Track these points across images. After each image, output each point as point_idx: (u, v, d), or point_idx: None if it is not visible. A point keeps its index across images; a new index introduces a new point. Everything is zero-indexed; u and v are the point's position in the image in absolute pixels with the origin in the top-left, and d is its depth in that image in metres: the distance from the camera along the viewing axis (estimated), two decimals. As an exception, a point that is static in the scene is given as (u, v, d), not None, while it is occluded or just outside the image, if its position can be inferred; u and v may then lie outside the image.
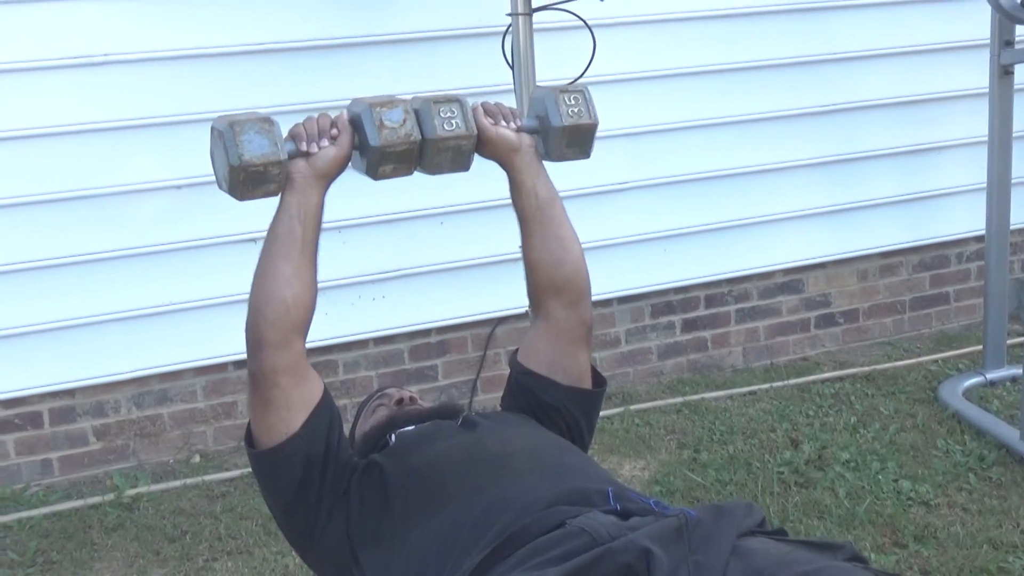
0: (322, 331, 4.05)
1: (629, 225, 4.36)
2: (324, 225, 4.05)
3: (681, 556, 1.55)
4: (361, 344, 4.14)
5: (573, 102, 2.13)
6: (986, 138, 4.15)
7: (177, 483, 3.76)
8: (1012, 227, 4.25)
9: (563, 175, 4.05)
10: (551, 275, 2.13)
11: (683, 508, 1.70)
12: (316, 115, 2.00)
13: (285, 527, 2.00)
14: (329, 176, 2.00)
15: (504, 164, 2.16)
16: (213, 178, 1.97)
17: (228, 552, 3.29)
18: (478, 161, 4.24)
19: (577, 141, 2.18)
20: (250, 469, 3.57)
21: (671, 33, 4.30)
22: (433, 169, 2.15)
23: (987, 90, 4.10)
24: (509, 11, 3.22)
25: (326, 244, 4.17)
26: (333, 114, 2.03)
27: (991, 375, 4.26)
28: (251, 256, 4.06)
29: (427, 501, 1.84)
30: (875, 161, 4.70)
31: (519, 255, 3.38)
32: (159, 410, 3.93)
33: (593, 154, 4.41)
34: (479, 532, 1.72)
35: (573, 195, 4.19)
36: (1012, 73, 4.05)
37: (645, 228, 4.41)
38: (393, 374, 4.14)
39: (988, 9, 3.90)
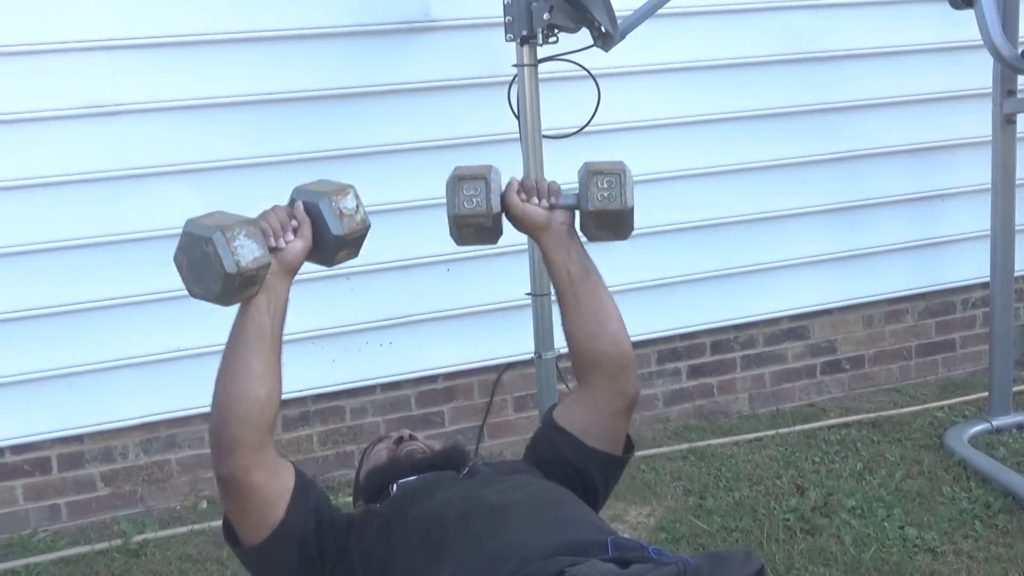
0: (329, 377, 4.08)
1: (635, 271, 4.38)
2: (332, 272, 4.10)
3: (680, 604, 1.56)
4: (368, 390, 4.15)
5: (605, 185, 2.12)
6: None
7: (184, 529, 3.76)
8: (1017, 274, 4.27)
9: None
10: (586, 348, 2.13)
11: (681, 556, 1.70)
12: (271, 209, 1.99)
13: None
14: (295, 269, 1.99)
15: (535, 240, 2.18)
16: (189, 294, 1.93)
17: (234, 598, 3.30)
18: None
19: (608, 224, 2.17)
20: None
21: (676, 82, 4.34)
22: (461, 242, 2.22)
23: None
24: (515, 62, 3.26)
25: (333, 290, 4.23)
26: (284, 207, 2.02)
27: (997, 422, 4.26)
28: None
29: (428, 554, 1.85)
30: (881, 208, 4.73)
31: (526, 302, 3.41)
32: (167, 456, 3.94)
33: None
34: None
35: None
36: (1014, 122, 4.08)
37: (651, 274, 4.43)
38: (400, 420, 4.15)
39: (992, 59, 3.93)
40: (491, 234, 2.21)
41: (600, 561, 1.69)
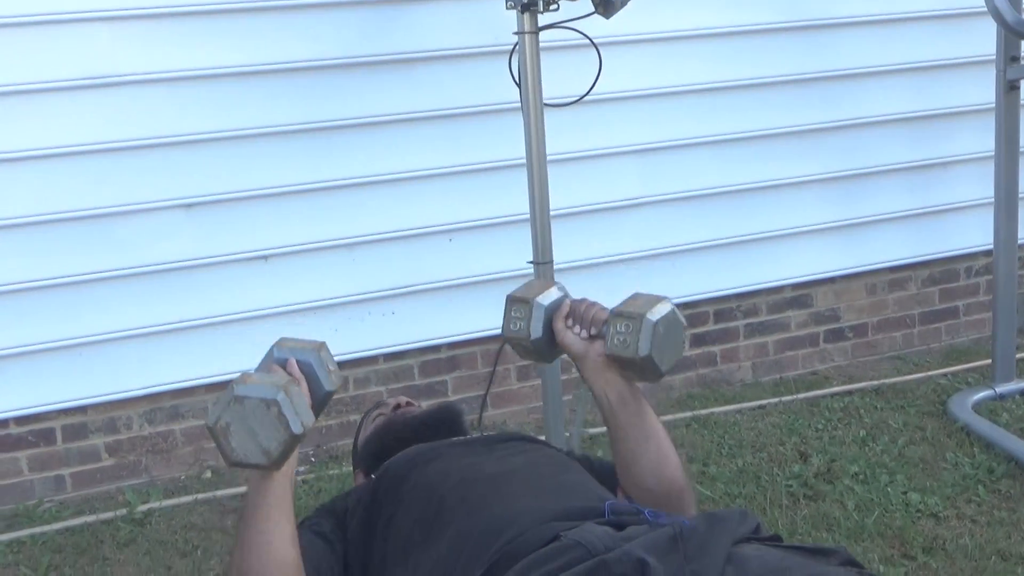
0: (332, 347, 4.03)
1: (638, 241, 4.38)
2: (335, 241, 4.10)
3: (677, 565, 1.57)
4: (371, 360, 4.16)
5: (623, 329, 2.06)
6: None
7: (189, 498, 3.78)
8: (1021, 241, 4.26)
9: (572, 191, 4.11)
10: (628, 473, 2.10)
11: (677, 517, 1.71)
12: (275, 370, 1.96)
13: None
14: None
15: (576, 365, 2.17)
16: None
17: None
18: (487, 178, 4.28)
19: (629, 368, 2.11)
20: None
21: (678, 50, 4.33)
22: (522, 357, 2.33)
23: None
24: (516, 30, 3.25)
25: (336, 259, 4.24)
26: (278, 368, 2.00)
27: (1000, 388, 4.26)
28: (263, 274, 4.12)
29: (426, 524, 1.86)
30: (884, 176, 4.72)
31: (529, 271, 3.41)
32: (171, 426, 3.96)
33: (603, 170, 4.45)
34: (477, 552, 1.74)
35: (582, 211, 4.23)
36: (1018, 88, 4.06)
37: (654, 244, 4.42)
38: (403, 389, 4.16)
39: (995, 25, 3.91)
40: (542, 355, 2.25)
41: (595, 524, 1.70)
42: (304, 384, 1.96)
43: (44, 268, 3.70)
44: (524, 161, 3.32)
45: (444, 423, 2.23)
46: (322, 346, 2.03)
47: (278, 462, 1.81)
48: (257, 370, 1.98)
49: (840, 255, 4.74)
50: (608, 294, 4.32)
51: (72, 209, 3.69)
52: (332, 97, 3.89)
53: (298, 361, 1.99)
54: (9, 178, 3.63)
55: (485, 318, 4.22)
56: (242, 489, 3.81)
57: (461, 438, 2.17)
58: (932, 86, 4.70)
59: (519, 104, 3.31)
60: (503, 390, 4.35)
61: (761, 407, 4.36)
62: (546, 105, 3.31)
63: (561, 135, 3.65)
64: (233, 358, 3.84)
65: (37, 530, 3.61)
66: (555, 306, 2.20)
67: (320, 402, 2.00)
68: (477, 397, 4.30)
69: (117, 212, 3.74)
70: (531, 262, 3.40)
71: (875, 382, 4.53)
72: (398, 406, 2.33)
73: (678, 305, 2.15)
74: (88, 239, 3.72)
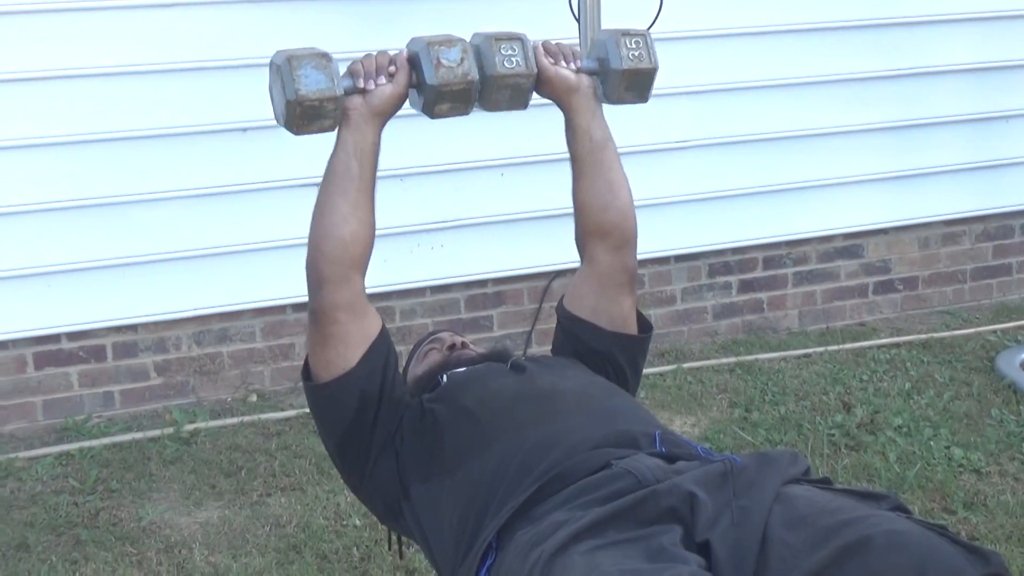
0: (380, 278, 4.06)
1: (689, 183, 4.35)
2: (385, 172, 4.08)
3: (725, 501, 1.57)
4: (418, 292, 4.18)
5: (634, 46, 2.11)
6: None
7: (234, 420, 3.83)
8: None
9: (625, 131, 4.02)
10: (597, 219, 2.14)
11: (729, 454, 1.71)
12: (375, 52, 2.00)
13: (338, 460, 2.04)
14: (385, 114, 1.99)
15: (561, 104, 2.15)
16: (276, 123, 1.98)
17: (282, 488, 3.36)
18: (541, 114, 4.24)
19: (636, 85, 2.16)
20: (306, 410, 3.63)
21: (740, -9, 4.28)
22: (491, 107, 2.15)
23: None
24: (577, -38, 3.21)
25: (386, 191, 4.19)
26: (393, 52, 2.02)
27: (1050, 347, 4.22)
28: (312, 200, 4.11)
29: (475, 439, 1.86)
30: (942, 127, 4.65)
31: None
32: (219, 348, 4.00)
33: (656, 111, 4.40)
34: (525, 470, 1.75)
35: (635, 151, 4.18)
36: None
37: (705, 187, 4.39)
38: (448, 323, 4.17)
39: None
40: (526, 97, 2.16)
41: (647, 455, 1.71)
42: (402, 74, 1.99)
43: (99, 186, 3.73)
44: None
45: (500, 362, 2.23)
46: (449, 41, 2.02)
47: (289, 126, 1.90)
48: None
49: (893, 206, 4.68)
50: (659, 238, 4.30)
51: (129, 128, 3.71)
52: (383, 22, 3.86)
53: (409, 51, 2.02)
54: (60, 94, 3.65)
55: (533, 255, 4.23)
56: (287, 413, 3.87)
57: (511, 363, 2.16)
58: (996, 36, 4.61)
59: (577, 39, 3.28)
60: (548, 327, 4.33)
61: (806, 356, 4.34)
62: (603, 30, 3.27)
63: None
64: (281, 283, 3.88)
65: (85, 444, 3.67)
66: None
67: (430, 96, 2.00)
68: (522, 333, 4.31)
69: (173, 134, 3.76)
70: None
71: (923, 336, 4.50)
72: (453, 346, 2.32)
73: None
74: (145, 159, 3.75)
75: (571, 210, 3.49)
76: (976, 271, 4.92)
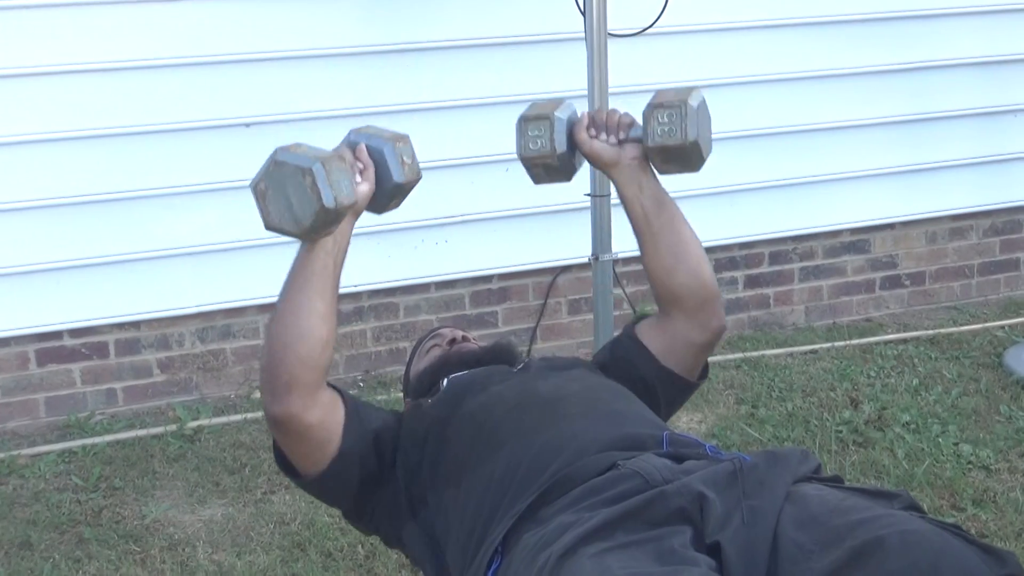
0: (384, 274, 4.08)
1: (695, 178, 4.25)
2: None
3: (735, 501, 1.55)
4: (423, 288, 4.16)
5: (666, 119, 2.03)
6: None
7: (238, 417, 3.81)
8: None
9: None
10: (665, 283, 2.08)
11: (738, 453, 1.69)
12: (340, 149, 1.93)
13: (354, 519, 2.05)
14: (360, 211, 1.94)
15: (607, 175, 2.14)
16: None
17: (286, 486, 3.34)
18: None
19: (674, 159, 2.09)
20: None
21: (746, -15, 4.25)
22: (536, 181, 2.22)
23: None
24: (582, -44, 3.19)
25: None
26: (349, 148, 1.96)
27: (1059, 343, 4.20)
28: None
29: (480, 445, 1.85)
30: (949, 121, 4.62)
31: (584, 203, 3.38)
32: (222, 345, 3.98)
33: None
34: (531, 475, 1.73)
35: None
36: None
37: (711, 182, 4.34)
38: (453, 319, 4.15)
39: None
40: (563, 173, 2.18)
41: (654, 456, 1.69)
42: (371, 171, 1.92)
43: (102, 182, 3.71)
44: (585, 93, 3.26)
45: (500, 361, 2.21)
46: (402, 137, 1.98)
47: (309, 232, 1.81)
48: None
49: (901, 201, 4.66)
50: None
51: (132, 123, 3.69)
52: (394, 21, 3.85)
53: (369, 147, 1.95)
54: (68, 91, 3.64)
55: (538, 250, 4.22)
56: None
57: (517, 367, 2.14)
58: (1004, 30, 4.58)
59: (583, 34, 3.26)
60: (553, 323, 4.33)
61: (813, 351, 4.31)
62: (611, 35, 3.25)
63: (622, 67, 3.59)
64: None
65: (88, 441, 3.65)
66: (574, 118, 2.15)
67: (388, 193, 1.95)
68: (527, 329, 4.29)
69: (176, 129, 3.74)
70: (588, 194, 3.36)
71: (930, 331, 4.47)
72: (454, 340, 2.30)
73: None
74: (148, 154, 3.73)
75: (577, 205, 3.49)
76: (983, 266, 4.89)
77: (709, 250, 4.42)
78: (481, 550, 1.68)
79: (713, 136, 4.37)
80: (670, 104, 2.04)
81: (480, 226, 4.13)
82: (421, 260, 4.09)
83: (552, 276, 4.29)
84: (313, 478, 1.93)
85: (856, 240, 4.69)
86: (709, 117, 2.12)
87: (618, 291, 3.65)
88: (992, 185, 4.74)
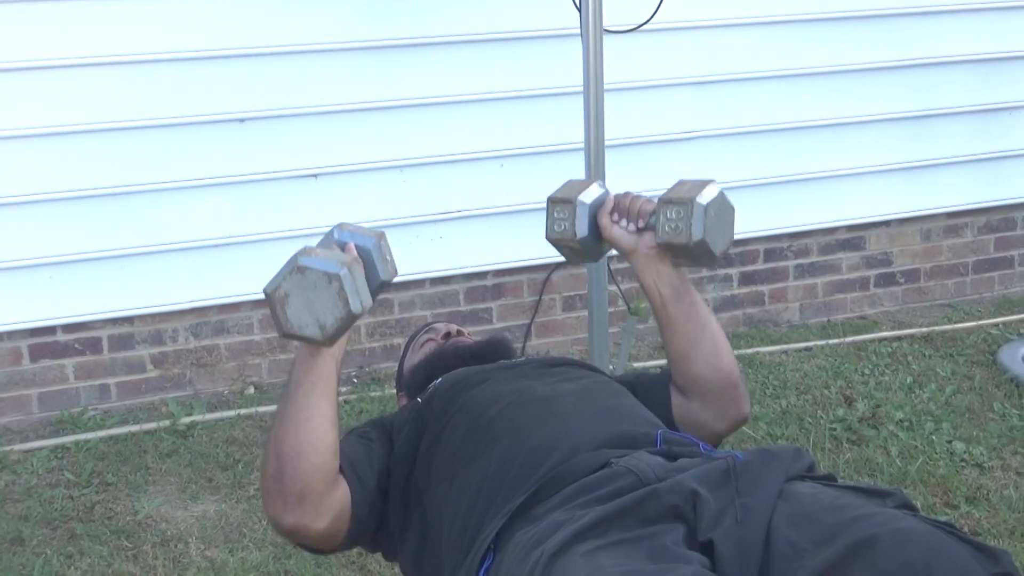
0: (379, 269, 4.07)
1: (692, 174, 4.29)
2: (384, 163, 4.09)
3: (728, 499, 1.55)
4: (417, 284, 4.15)
5: (673, 216, 2.00)
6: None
7: (231, 413, 3.81)
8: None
9: (629, 122, 4.05)
10: (682, 370, 2.05)
11: (731, 451, 1.69)
12: (330, 245, 1.91)
13: (371, 548, 2.06)
14: None
15: (627, 260, 2.12)
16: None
17: (279, 482, 3.33)
18: (540, 105, 4.23)
19: (682, 255, 2.06)
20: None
21: (742, -19, 4.25)
22: (566, 260, 2.27)
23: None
24: (578, -48, 3.18)
25: (385, 181, 4.23)
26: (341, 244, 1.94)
27: (1053, 341, 4.20)
28: (312, 192, 4.12)
29: (474, 442, 1.84)
30: (946, 119, 4.62)
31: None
32: (216, 341, 3.97)
33: (658, 102, 4.39)
34: (524, 473, 1.73)
35: (638, 142, 4.18)
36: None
37: (708, 178, 4.36)
38: (448, 315, 4.14)
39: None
40: (588, 255, 2.21)
41: (647, 453, 1.68)
42: (360, 268, 1.90)
43: (95, 177, 3.70)
44: (580, 89, 3.25)
45: (495, 355, 2.20)
46: (382, 235, 1.96)
47: (332, 338, 1.78)
48: (316, 247, 1.95)
49: (896, 198, 4.66)
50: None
51: (126, 118, 3.68)
52: (387, 16, 3.84)
53: (357, 246, 1.92)
54: (59, 85, 3.62)
55: (533, 247, 4.17)
56: (284, 406, 3.83)
57: (511, 362, 2.14)
58: (1001, 27, 4.58)
59: (579, 29, 3.25)
60: (548, 320, 4.33)
61: (807, 349, 4.32)
62: (607, 31, 3.24)
63: (618, 63, 3.59)
64: (280, 276, 3.86)
65: (81, 437, 3.65)
66: (599, 202, 2.14)
67: (373, 291, 1.93)
68: (522, 326, 4.29)
69: (170, 124, 3.73)
70: (583, 191, 3.35)
71: (925, 329, 4.48)
72: (448, 334, 2.30)
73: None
74: (142, 149, 3.72)
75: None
76: (978, 264, 4.90)
77: (704, 247, 4.44)
78: (474, 548, 1.68)
79: (710, 134, 4.40)
80: (679, 201, 2.00)
81: (475, 222, 4.12)
82: (416, 256, 4.08)
83: (547, 273, 4.28)
84: (333, 550, 1.94)
85: (851, 237, 4.68)
86: (729, 210, 2.06)
87: (613, 288, 3.65)
88: (987, 183, 4.74)
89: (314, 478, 1.78)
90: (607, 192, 2.17)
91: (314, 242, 3.86)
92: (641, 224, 2.08)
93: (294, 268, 1.77)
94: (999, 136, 4.69)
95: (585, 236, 2.11)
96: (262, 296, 1.83)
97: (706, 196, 2.01)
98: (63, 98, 3.63)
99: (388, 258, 1.95)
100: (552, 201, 2.15)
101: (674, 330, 2.05)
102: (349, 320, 1.77)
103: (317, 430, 1.79)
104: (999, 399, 3.77)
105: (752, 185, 4.41)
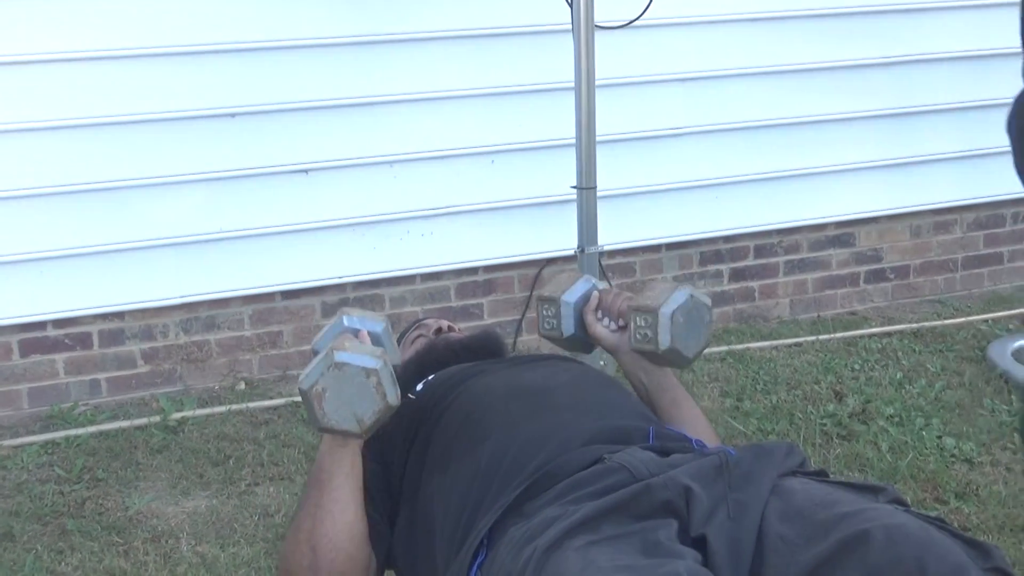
0: (369, 265, 4.07)
1: (682, 171, 4.33)
2: (375, 158, 4.09)
3: (720, 494, 1.55)
4: (408, 280, 4.15)
5: (642, 323, 2.02)
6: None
7: (222, 408, 3.80)
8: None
9: (619, 118, 4.05)
10: None
11: (723, 447, 1.69)
12: (349, 337, 1.91)
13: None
14: None
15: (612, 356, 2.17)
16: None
17: (270, 478, 3.33)
18: (531, 100, 4.23)
19: (655, 360, 2.09)
20: (294, 398, 3.63)
21: (732, -22, 4.25)
22: (564, 350, 2.30)
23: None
24: (569, -53, 3.18)
25: (376, 177, 4.23)
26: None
27: (1042, 336, 4.21)
28: (303, 187, 4.11)
29: (466, 435, 1.85)
30: (934, 115, 4.63)
31: (570, 196, 3.38)
32: (207, 336, 3.96)
33: (647, 99, 4.39)
34: (516, 467, 1.73)
35: (627, 139, 4.18)
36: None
37: (697, 175, 4.37)
38: (439, 311, 4.15)
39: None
40: (581, 348, 2.26)
41: (640, 449, 1.69)
42: (388, 359, 1.90)
43: (86, 172, 3.69)
44: (571, 84, 3.26)
45: (487, 349, 2.21)
46: (386, 319, 2.01)
47: (368, 430, 1.79)
48: (326, 334, 1.94)
49: (885, 194, 4.67)
50: (650, 226, 4.30)
51: (116, 113, 3.67)
52: (380, 11, 3.84)
53: (368, 332, 1.95)
54: (48, 81, 3.61)
55: (524, 242, 4.21)
56: (275, 402, 3.84)
57: (504, 358, 2.15)
58: (989, 23, 4.58)
59: (570, 25, 3.25)
60: (538, 315, 4.32)
61: (797, 344, 4.32)
62: (598, 27, 3.25)
63: (609, 59, 3.59)
64: (270, 270, 3.87)
65: (71, 432, 3.64)
66: (583, 300, 2.20)
67: None
68: (513, 322, 4.29)
69: (161, 119, 3.72)
70: (574, 187, 3.36)
71: (914, 325, 4.49)
72: (439, 330, 2.30)
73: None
74: (133, 144, 3.71)
75: (564, 197, 3.49)
76: (967, 260, 4.91)
77: (694, 243, 4.48)
78: (467, 543, 1.68)
79: (700, 130, 4.40)
80: (646, 308, 2.03)
81: (466, 218, 4.12)
82: (406, 252, 4.08)
83: (538, 268, 4.28)
84: None
85: (841, 234, 4.70)
86: (702, 310, 2.07)
87: (604, 284, 3.64)
88: (976, 179, 4.75)
89: (351, 567, 1.80)
90: (593, 287, 2.22)
91: (306, 239, 3.88)
92: (621, 323, 2.13)
93: (332, 364, 1.76)
94: (987, 132, 4.68)
95: (572, 335, 2.18)
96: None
97: (671, 303, 2.02)
98: (52, 93, 3.62)
99: (394, 341, 2.01)
100: (540, 299, 2.22)
101: (659, 416, 2.09)
102: (386, 413, 1.78)
103: (352, 521, 1.81)
104: (988, 395, 3.78)
105: (742, 181, 4.43)
